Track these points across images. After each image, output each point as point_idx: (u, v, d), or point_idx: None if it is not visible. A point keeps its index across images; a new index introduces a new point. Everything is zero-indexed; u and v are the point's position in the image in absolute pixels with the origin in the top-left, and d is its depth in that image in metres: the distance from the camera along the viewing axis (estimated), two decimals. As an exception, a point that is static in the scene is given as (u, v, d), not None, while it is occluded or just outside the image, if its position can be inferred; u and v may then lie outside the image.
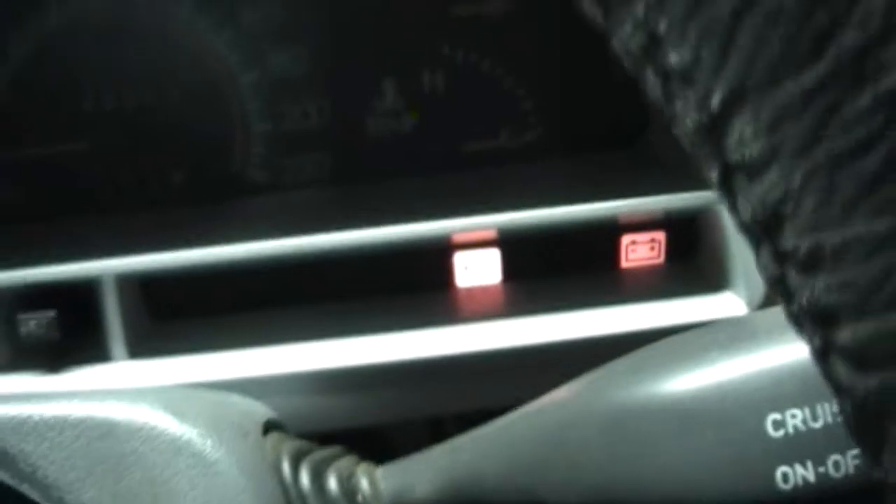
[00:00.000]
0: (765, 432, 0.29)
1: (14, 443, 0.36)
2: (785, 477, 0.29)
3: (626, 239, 0.54)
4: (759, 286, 0.48)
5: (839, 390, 0.15)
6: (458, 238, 0.53)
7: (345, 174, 0.62)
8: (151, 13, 0.60)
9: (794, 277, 0.14)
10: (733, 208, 0.15)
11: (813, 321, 0.14)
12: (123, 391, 0.38)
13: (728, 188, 0.15)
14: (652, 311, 0.50)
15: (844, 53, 0.12)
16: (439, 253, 0.54)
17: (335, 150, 0.62)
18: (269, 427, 0.41)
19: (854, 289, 0.13)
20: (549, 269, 0.54)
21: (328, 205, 0.58)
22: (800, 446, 0.29)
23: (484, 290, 0.54)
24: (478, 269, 0.54)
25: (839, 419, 0.29)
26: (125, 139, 0.60)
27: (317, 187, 0.61)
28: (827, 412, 0.29)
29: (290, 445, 0.40)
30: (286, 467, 0.38)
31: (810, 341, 0.15)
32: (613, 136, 0.60)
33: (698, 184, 0.51)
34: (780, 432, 0.29)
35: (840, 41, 0.12)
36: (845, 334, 0.14)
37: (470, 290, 0.54)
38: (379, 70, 0.62)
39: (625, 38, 0.15)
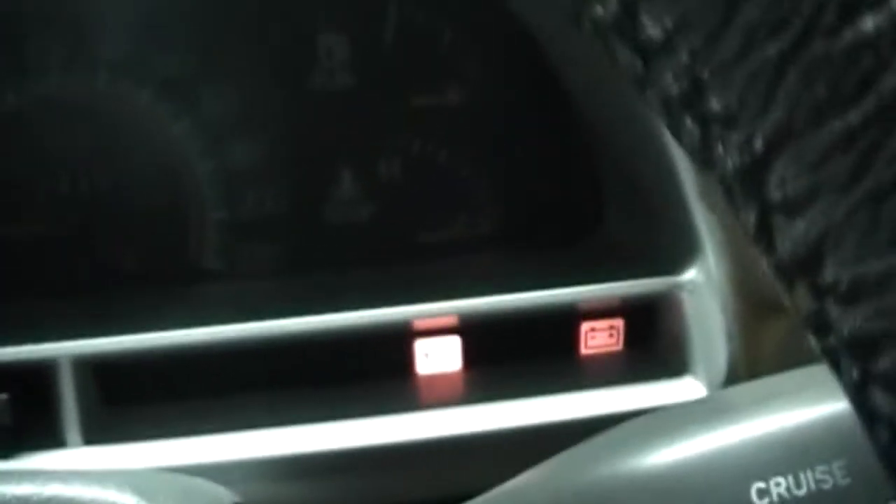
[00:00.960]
0: (750, 501, 0.30)
1: (-26, 525, 0.34)
2: (771, 546, 0.29)
3: (585, 326, 0.54)
4: (719, 370, 0.49)
5: (876, 420, 0.15)
6: (419, 325, 0.53)
7: (302, 262, 0.62)
8: (111, 99, 0.60)
9: (833, 310, 0.15)
10: (769, 249, 0.15)
11: (852, 352, 0.15)
12: (89, 472, 0.37)
13: (765, 229, 0.15)
14: (612, 397, 0.51)
15: (887, 93, 0.13)
16: (399, 340, 0.54)
17: (292, 239, 0.62)
18: (234, 511, 0.40)
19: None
20: (510, 356, 0.54)
21: (285, 292, 0.58)
22: (785, 515, 0.29)
23: (444, 378, 0.54)
24: (438, 357, 0.54)
25: (823, 486, 0.30)
26: (81, 223, 0.60)
27: (273, 275, 0.61)
28: (810, 479, 0.30)
29: (256, 529, 0.39)
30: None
31: (847, 374, 0.15)
32: (570, 227, 0.61)
33: (655, 270, 0.52)
34: (765, 501, 0.29)
35: (883, 82, 0.13)
36: (885, 362, 0.14)
37: (430, 378, 0.54)
38: (336, 159, 0.62)
39: (665, 87, 0.16)
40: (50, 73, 0.60)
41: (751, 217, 0.15)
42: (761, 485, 0.30)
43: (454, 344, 0.54)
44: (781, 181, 0.14)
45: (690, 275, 0.50)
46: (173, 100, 0.61)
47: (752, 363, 0.49)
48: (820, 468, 0.30)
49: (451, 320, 0.51)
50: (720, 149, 0.15)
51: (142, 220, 0.60)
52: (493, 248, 0.61)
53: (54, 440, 0.48)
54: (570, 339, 0.54)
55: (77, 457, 0.48)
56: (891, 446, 0.15)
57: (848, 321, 0.14)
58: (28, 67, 0.59)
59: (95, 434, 0.48)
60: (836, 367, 0.15)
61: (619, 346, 0.54)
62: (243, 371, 0.52)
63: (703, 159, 0.16)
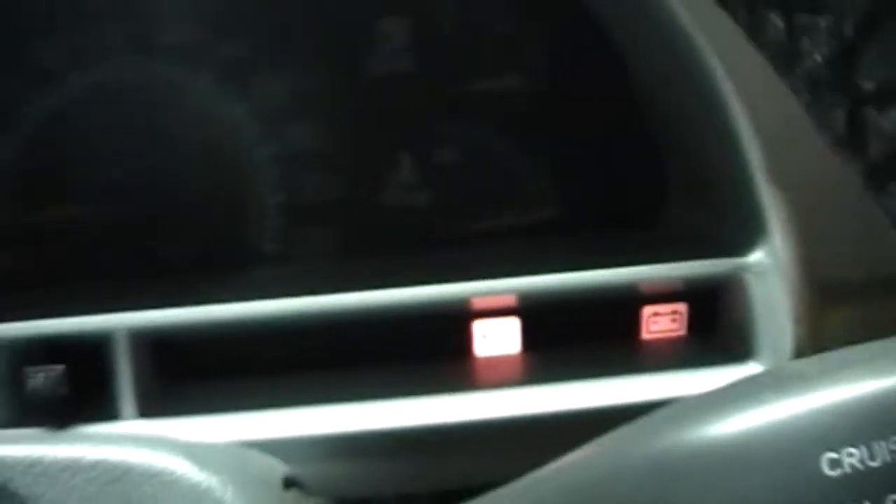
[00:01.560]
0: (821, 472, 0.28)
1: (25, 484, 0.34)
2: (843, 518, 0.28)
3: (647, 310, 0.53)
4: (784, 355, 0.47)
5: None
6: (477, 306, 0.52)
7: (359, 247, 0.62)
8: (170, 84, 0.61)
9: None
10: (860, 149, 0.14)
11: None
12: (141, 437, 0.37)
13: (857, 124, 0.14)
14: (674, 381, 0.49)
15: None
16: (458, 321, 0.53)
17: (349, 223, 0.62)
18: (288, 483, 0.39)
19: None
20: (570, 339, 0.53)
21: (342, 274, 0.58)
22: (858, 486, 0.28)
23: (503, 360, 0.53)
24: (497, 338, 0.53)
25: (898, 457, 0.28)
26: (140, 207, 0.60)
27: (331, 259, 0.61)
28: (885, 450, 0.28)
29: (310, 502, 0.38)
30: (308, 520, 0.36)
31: None
32: (632, 210, 0.60)
33: (719, 252, 0.50)
34: (837, 471, 0.28)
35: None
36: None
37: (488, 359, 0.53)
38: (394, 145, 0.62)
39: None
40: (110, 58, 0.60)
41: (839, 115, 0.14)
42: (833, 455, 0.28)
43: (513, 326, 0.53)
44: (874, 68, 0.14)
45: (756, 257, 0.49)
46: (232, 84, 0.61)
47: (818, 348, 0.47)
48: (895, 439, 0.28)
49: (510, 301, 0.51)
50: (806, 40, 0.14)
51: (200, 205, 0.61)
52: (552, 232, 0.60)
53: (109, 412, 0.48)
54: (632, 323, 0.53)
55: (131, 429, 0.47)
56: None
57: None
58: (88, 52, 0.60)
59: (150, 407, 0.48)
60: None
61: (682, 332, 0.53)
62: (300, 348, 0.51)
63: (788, 56, 0.15)
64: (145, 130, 0.61)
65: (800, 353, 0.48)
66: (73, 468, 0.35)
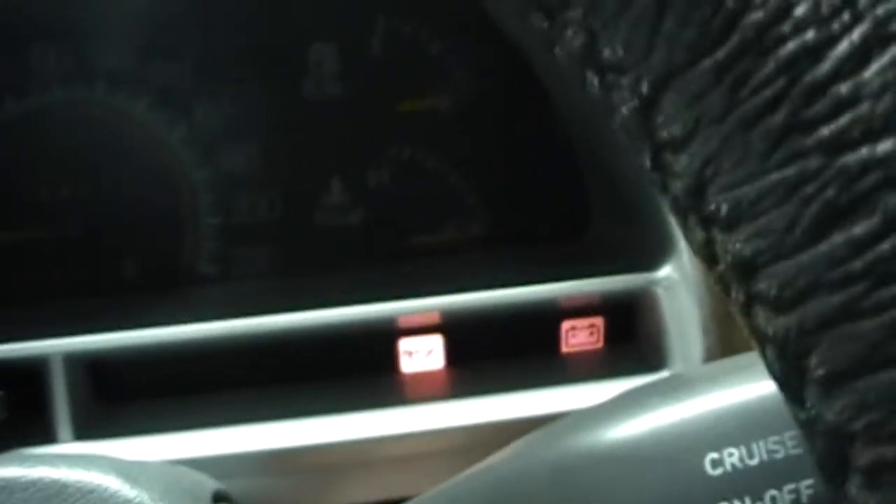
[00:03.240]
0: (703, 471, 0.31)
1: (-39, 505, 0.35)
2: (724, 514, 0.30)
3: (566, 325, 0.55)
4: (695, 364, 0.50)
5: (763, 340, 0.16)
6: (403, 323, 0.54)
7: (293, 266, 0.63)
8: (108, 108, 0.62)
9: (718, 238, 0.16)
10: (663, 187, 0.17)
11: (736, 276, 0.16)
12: (75, 456, 0.38)
13: (658, 167, 0.17)
14: (592, 392, 0.52)
15: (749, 30, 0.15)
16: (384, 338, 0.55)
17: (284, 243, 0.64)
18: (218, 498, 0.41)
19: (770, 235, 0.15)
20: (492, 354, 0.55)
21: (276, 293, 0.59)
22: (738, 483, 0.30)
23: (428, 375, 0.55)
24: (422, 355, 0.55)
25: (774, 456, 0.31)
26: (77, 229, 0.61)
27: (265, 278, 0.62)
28: (762, 450, 0.31)
29: (239, 515, 0.40)
30: (236, 533, 0.38)
31: (736, 300, 0.16)
32: (556, 230, 0.62)
33: (633, 268, 0.53)
34: (719, 470, 0.31)
35: (745, 20, 0.15)
36: (764, 281, 0.16)
37: (414, 375, 0.55)
38: (327, 166, 0.64)
39: (567, 42, 0.17)
40: (49, 83, 0.61)
41: (647, 158, 0.17)
42: (715, 455, 0.31)
43: (437, 343, 0.55)
44: (667, 120, 0.16)
45: (666, 272, 0.51)
46: (169, 108, 0.63)
47: (727, 357, 0.50)
48: (772, 438, 0.31)
49: (434, 318, 0.53)
50: (616, 95, 0.17)
51: (138, 226, 0.62)
52: (480, 250, 0.62)
53: (46, 436, 0.49)
54: (552, 337, 0.55)
55: (67, 452, 0.49)
56: (779, 369, 0.16)
57: (730, 246, 0.16)
58: (27, 77, 0.61)
59: (86, 430, 0.49)
60: (728, 294, 0.17)
61: (600, 344, 0.55)
62: (231, 368, 0.53)
63: (605, 107, 0.17)
64: (83, 154, 0.62)
65: (709, 361, 0.50)
66: (8, 488, 0.36)
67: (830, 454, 0.16)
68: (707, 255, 0.16)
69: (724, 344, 0.50)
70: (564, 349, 0.55)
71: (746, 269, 0.16)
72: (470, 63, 0.64)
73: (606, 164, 0.59)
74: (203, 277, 0.63)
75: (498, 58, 0.64)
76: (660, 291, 0.51)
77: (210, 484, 0.41)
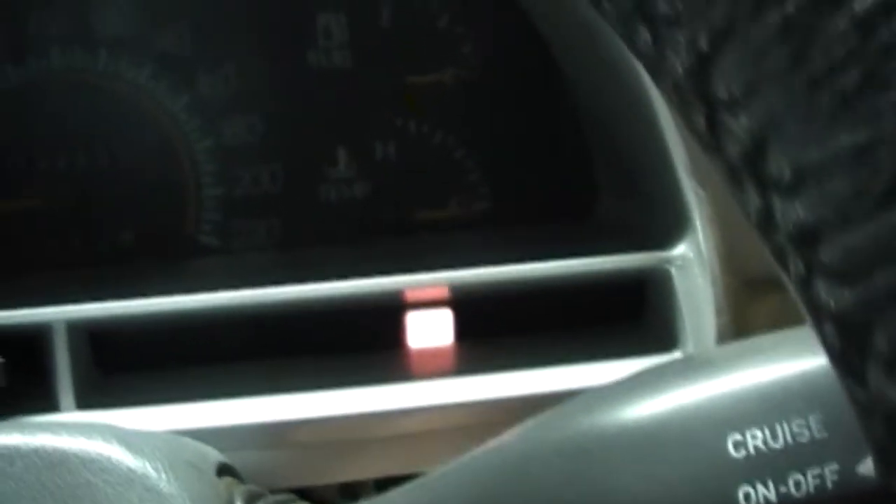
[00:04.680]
0: (726, 452, 0.30)
1: (-38, 473, 0.35)
2: (747, 496, 0.29)
3: (574, 301, 0.54)
4: (708, 345, 0.49)
5: (821, 314, 0.15)
6: (410, 297, 0.53)
7: (296, 239, 0.63)
8: (109, 76, 0.61)
9: (777, 204, 0.15)
10: (718, 150, 0.16)
11: (795, 245, 0.15)
12: (77, 424, 0.37)
13: (714, 129, 0.16)
14: (605, 369, 0.51)
15: None
16: (391, 312, 0.54)
17: (287, 216, 0.63)
18: (222, 470, 0.40)
19: (836, 201, 0.14)
20: (502, 330, 0.54)
21: (279, 265, 0.58)
22: (761, 465, 0.30)
23: (436, 351, 0.54)
24: (430, 330, 0.54)
25: (799, 439, 0.30)
26: (78, 198, 0.60)
27: (267, 251, 0.62)
28: (787, 432, 0.30)
29: (243, 488, 0.39)
30: (240, 507, 0.37)
31: (794, 270, 0.15)
32: (562, 205, 0.62)
33: (645, 246, 0.52)
34: (742, 452, 0.30)
35: None
36: (827, 250, 0.15)
37: (422, 350, 0.54)
38: (332, 138, 0.63)
39: None
40: (48, 50, 0.60)
41: (700, 120, 0.16)
42: (738, 437, 0.30)
43: (446, 317, 0.54)
44: (726, 77, 0.15)
45: (680, 250, 0.51)
46: (171, 77, 0.62)
47: (740, 338, 0.49)
48: (796, 421, 0.30)
49: (443, 292, 0.52)
50: (670, 52, 0.16)
51: (139, 196, 0.61)
52: (486, 225, 0.61)
53: (48, 404, 0.48)
54: (561, 314, 0.55)
55: (69, 421, 0.48)
56: (839, 344, 0.16)
57: (791, 213, 0.15)
58: (27, 44, 0.60)
59: (88, 399, 0.49)
60: (785, 267, 0.16)
61: (611, 322, 0.54)
62: (236, 339, 0.52)
63: (656, 66, 0.16)
64: (83, 122, 0.61)
65: (722, 342, 0.50)
66: (10, 456, 0.35)
67: (893, 438, 0.15)
68: (763, 222, 0.16)
69: (737, 325, 0.50)
70: (572, 325, 0.55)
71: (808, 238, 0.15)
72: (479, 37, 0.63)
73: (618, 144, 0.58)
74: (204, 249, 0.62)
75: (507, 33, 0.63)
76: (672, 271, 0.50)
77: (214, 455, 0.40)
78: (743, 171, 0.15)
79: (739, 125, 0.15)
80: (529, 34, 0.61)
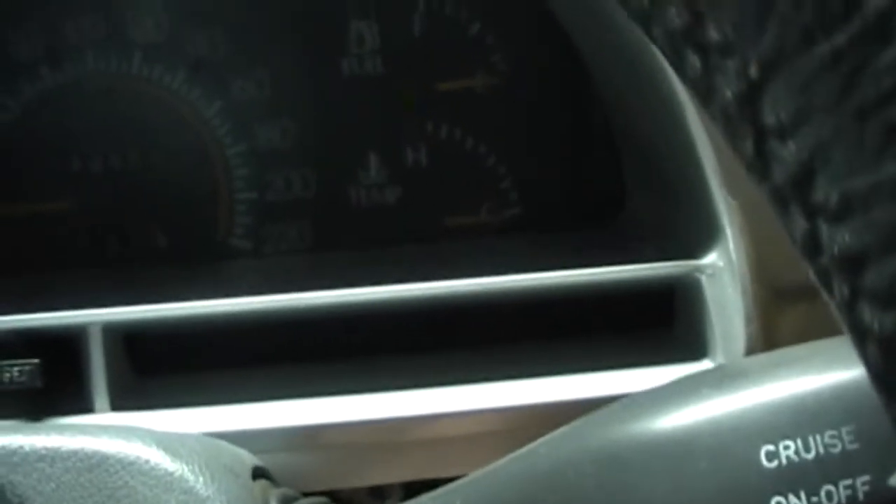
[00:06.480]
0: (759, 463, 0.30)
1: (3, 473, 0.35)
2: (779, 507, 0.30)
3: (601, 310, 0.55)
4: (737, 354, 0.49)
5: (865, 336, 0.16)
6: (441, 304, 0.53)
7: (326, 244, 0.63)
8: (142, 81, 0.62)
9: (824, 229, 0.15)
10: (765, 175, 0.16)
11: (841, 269, 0.15)
12: (115, 427, 0.38)
13: (761, 155, 0.16)
14: (631, 377, 0.51)
15: (871, 15, 0.14)
16: (422, 317, 0.54)
17: (318, 220, 0.63)
18: (257, 473, 0.41)
19: (882, 228, 0.15)
20: (529, 336, 0.54)
21: (310, 269, 0.59)
22: (793, 477, 0.30)
23: (467, 356, 0.54)
24: (460, 335, 0.54)
25: (831, 450, 0.30)
26: (111, 200, 0.61)
27: (299, 255, 0.62)
28: (819, 443, 0.30)
29: (278, 492, 0.40)
30: (275, 510, 0.38)
31: (839, 293, 0.16)
32: (591, 213, 0.62)
33: (675, 254, 0.52)
34: (774, 463, 0.30)
35: (867, 4, 0.14)
36: (872, 275, 0.15)
37: (453, 355, 0.54)
38: (363, 143, 0.63)
39: (668, 21, 0.16)
40: (84, 54, 0.61)
41: (748, 145, 0.16)
42: (770, 447, 0.30)
43: (477, 323, 0.54)
44: (775, 105, 0.15)
45: (710, 259, 0.51)
46: (204, 82, 0.62)
47: (770, 347, 0.49)
48: (829, 433, 0.30)
49: (473, 299, 0.52)
50: (719, 78, 0.16)
51: (172, 199, 0.62)
52: (514, 234, 0.62)
53: (83, 406, 0.49)
54: (590, 322, 0.55)
55: (104, 423, 0.49)
56: (883, 366, 0.16)
57: (837, 238, 0.15)
58: (63, 48, 0.61)
59: (123, 401, 0.49)
60: (829, 289, 0.16)
61: (638, 330, 0.54)
62: (269, 342, 0.53)
63: (705, 91, 0.16)
64: (118, 126, 0.62)
65: (751, 351, 0.50)
66: (50, 457, 0.36)
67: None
68: (808, 246, 0.16)
69: (766, 335, 0.50)
70: (601, 332, 0.55)
71: (854, 263, 0.15)
72: (509, 45, 0.64)
73: (647, 150, 0.58)
74: (236, 253, 0.63)
75: (537, 40, 0.63)
76: (703, 279, 0.50)
77: (250, 459, 0.41)
78: (789, 196, 0.16)
79: (787, 152, 0.15)
80: (559, 41, 0.62)
